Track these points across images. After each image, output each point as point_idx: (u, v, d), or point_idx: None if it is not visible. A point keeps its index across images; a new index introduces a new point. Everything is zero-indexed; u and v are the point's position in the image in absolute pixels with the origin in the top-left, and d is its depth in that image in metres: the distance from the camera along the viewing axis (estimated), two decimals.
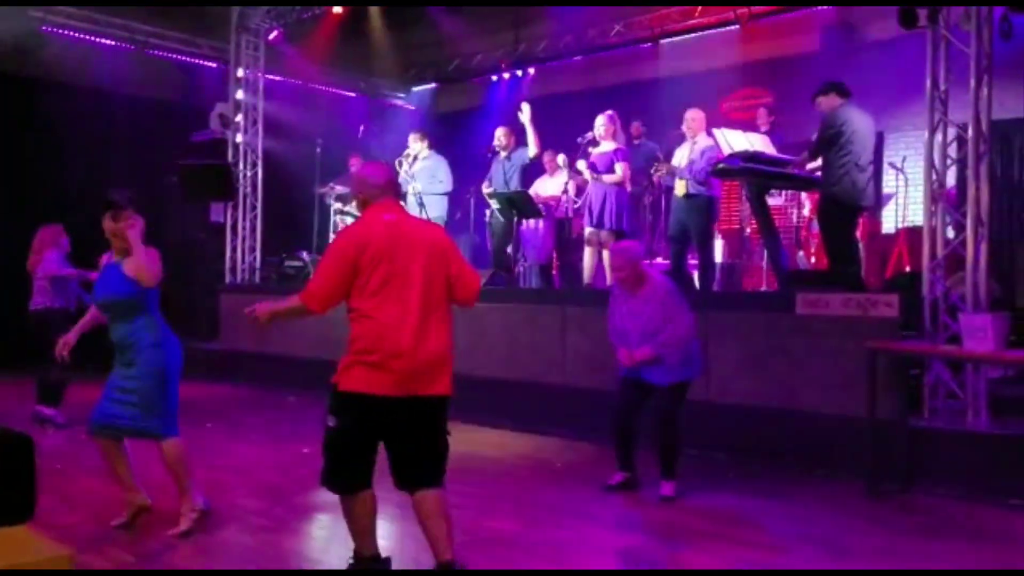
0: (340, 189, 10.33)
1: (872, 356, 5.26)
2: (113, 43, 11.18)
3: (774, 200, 8.53)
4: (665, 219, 8.41)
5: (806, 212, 8.65)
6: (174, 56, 11.81)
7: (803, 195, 8.54)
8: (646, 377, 5.04)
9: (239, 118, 11.16)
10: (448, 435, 3.54)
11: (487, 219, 9.53)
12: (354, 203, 10.09)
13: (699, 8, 10.60)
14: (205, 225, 11.49)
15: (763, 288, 7.98)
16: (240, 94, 11.17)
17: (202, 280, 11.11)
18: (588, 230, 8.26)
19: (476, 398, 7.61)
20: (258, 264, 11.28)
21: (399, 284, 3.33)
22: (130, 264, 4.23)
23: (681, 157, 7.75)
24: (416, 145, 9.81)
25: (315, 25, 11.74)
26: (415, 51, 13.65)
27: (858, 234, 7.50)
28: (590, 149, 8.24)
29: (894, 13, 6.15)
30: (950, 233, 6.04)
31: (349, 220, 10.06)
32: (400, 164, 9.65)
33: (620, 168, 8.02)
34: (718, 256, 9.03)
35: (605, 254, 7.92)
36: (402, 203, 9.56)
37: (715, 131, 7.63)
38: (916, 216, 8.31)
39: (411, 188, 9.45)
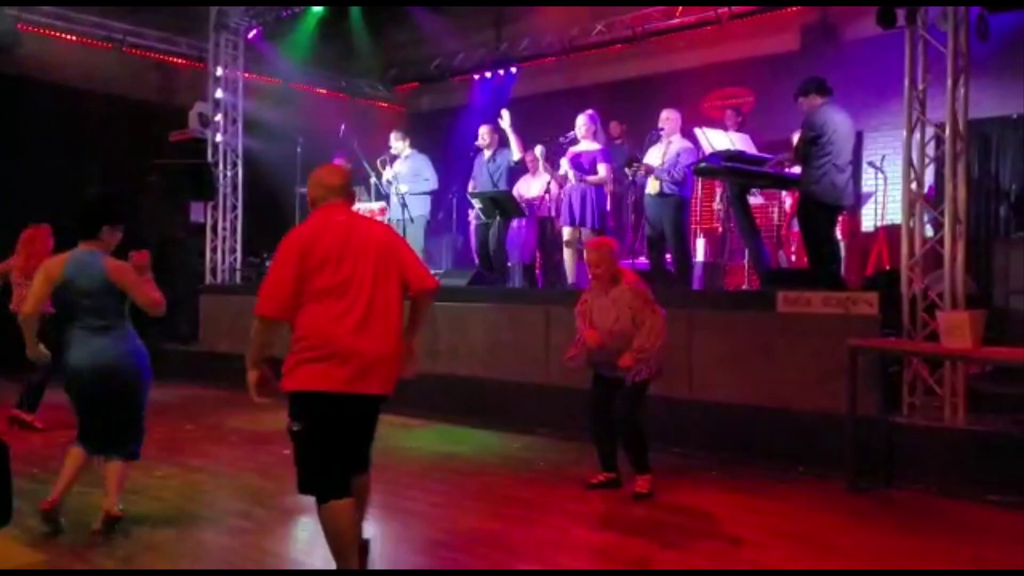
0: None
1: (852, 354, 5.29)
2: (90, 41, 11.06)
3: (755, 199, 8.58)
4: (646, 218, 8.43)
5: (787, 209, 8.70)
6: (152, 55, 11.71)
7: (783, 194, 8.59)
8: (607, 375, 5.06)
9: (218, 117, 11.07)
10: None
11: (470, 219, 9.52)
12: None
13: (680, 8, 10.63)
14: (185, 225, 11.39)
15: (745, 287, 8.02)
16: (219, 93, 11.09)
17: (182, 281, 11.01)
18: (567, 230, 8.27)
19: (459, 398, 7.63)
20: (239, 264, 11.20)
21: (348, 283, 3.30)
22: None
23: (655, 156, 7.78)
24: (398, 144, 9.78)
25: (295, 24, 11.68)
26: (396, 50, 13.59)
27: (839, 232, 7.55)
28: (570, 148, 8.26)
29: (873, 13, 6.20)
30: (928, 231, 6.10)
31: None
32: (383, 164, 9.62)
33: (603, 169, 8.05)
34: (700, 255, 9.07)
35: (574, 249, 8.05)
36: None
37: (696, 131, 7.66)
38: (895, 214, 8.37)
39: (393, 188, 9.42)
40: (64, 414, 4.34)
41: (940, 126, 5.95)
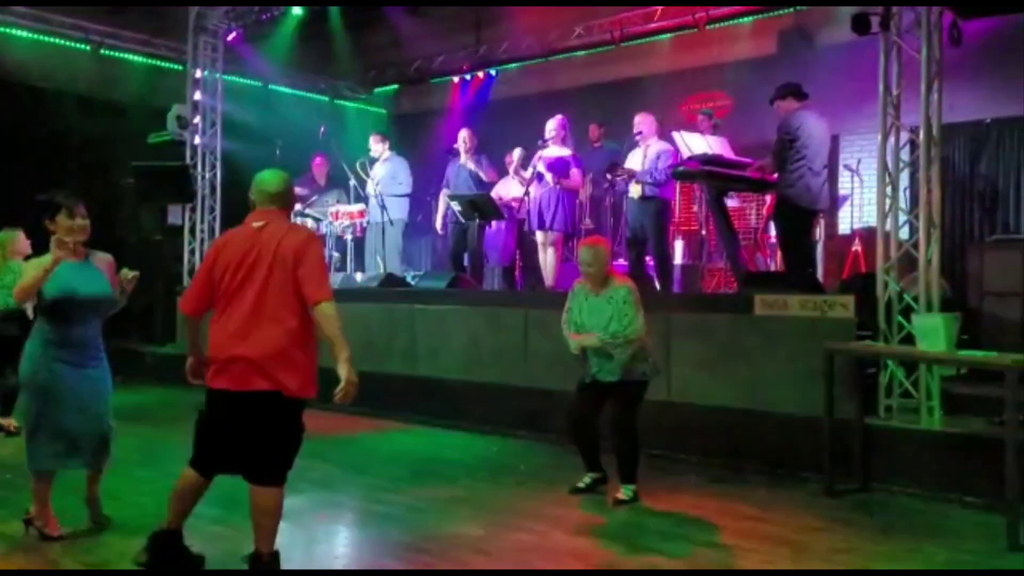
0: (300, 191, 10.22)
1: (829, 356, 5.33)
2: (67, 43, 10.95)
3: (732, 202, 8.63)
4: (625, 221, 8.48)
5: (764, 212, 8.76)
6: (130, 57, 11.62)
7: (761, 197, 8.65)
8: (600, 379, 5.05)
9: (197, 119, 10.99)
10: (300, 431, 3.58)
11: (435, 223, 9.55)
12: (313, 203, 10.12)
13: (658, 11, 10.68)
14: (162, 227, 11.30)
15: (723, 289, 8.06)
16: (198, 95, 10.99)
17: (159, 283, 10.93)
18: (540, 233, 8.33)
19: (439, 401, 7.61)
20: None
21: (240, 288, 3.49)
22: (103, 262, 4.34)
23: (635, 161, 7.82)
24: (377, 147, 9.77)
25: (274, 26, 11.62)
26: (376, 52, 13.56)
27: (816, 235, 7.62)
28: (541, 152, 8.29)
29: (848, 19, 6.26)
30: (904, 235, 6.16)
31: (310, 222, 9.98)
32: (362, 166, 9.60)
33: (575, 174, 8.12)
34: (678, 258, 9.11)
35: (550, 252, 8.19)
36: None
37: (674, 134, 7.71)
38: (871, 217, 8.45)
39: (372, 190, 9.40)
40: None
41: (914, 131, 6.01)
